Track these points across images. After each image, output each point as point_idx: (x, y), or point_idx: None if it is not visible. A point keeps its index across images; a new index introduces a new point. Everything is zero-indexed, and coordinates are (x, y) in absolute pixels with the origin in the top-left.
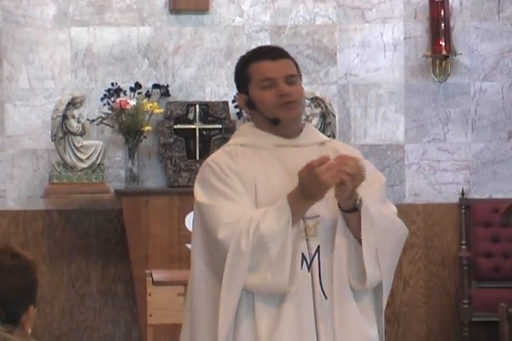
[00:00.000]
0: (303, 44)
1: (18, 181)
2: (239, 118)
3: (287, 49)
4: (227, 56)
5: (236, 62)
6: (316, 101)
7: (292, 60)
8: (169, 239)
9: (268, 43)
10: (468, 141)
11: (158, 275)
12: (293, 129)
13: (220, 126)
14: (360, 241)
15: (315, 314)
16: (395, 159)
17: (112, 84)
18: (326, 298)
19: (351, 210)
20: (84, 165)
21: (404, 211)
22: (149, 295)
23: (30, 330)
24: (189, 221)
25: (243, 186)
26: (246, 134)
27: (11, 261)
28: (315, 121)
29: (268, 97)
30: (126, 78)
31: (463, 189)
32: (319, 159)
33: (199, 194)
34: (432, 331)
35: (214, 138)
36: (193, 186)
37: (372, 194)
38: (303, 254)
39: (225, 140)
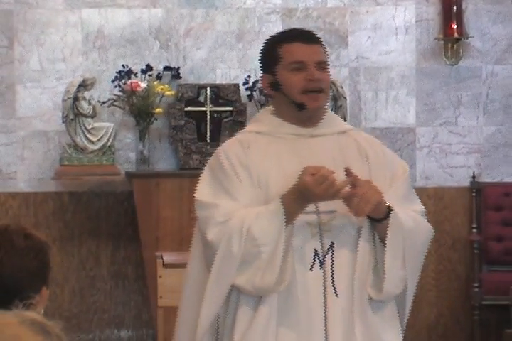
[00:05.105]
0: (314, 27)
1: (28, 163)
2: (250, 100)
3: None
4: (239, 38)
5: (265, 42)
6: None
7: (324, 47)
8: (180, 221)
9: (279, 26)
10: (479, 124)
11: (168, 257)
12: (315, 117)
13: (231, 109)
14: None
15: (325, 311)
16: (405, 142)
17: (123, 66)
18: (337, 295)
19: (382, 219)
20: (95, 147)
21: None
22: (160, 277)
23: (42, 311)
24: None
25: (250, 180)
26: (264, 121)
27: (24, 242)
28: None
29: (296, 81)
30: (138, 60)
31: (474, 172)
32: (315, 168)
33: (200, 187)
34: (442, 314)
35: (225, 120)
36: (203, 169)
37: (395, 194)
38: (316, 250)
39: (235, 122)
